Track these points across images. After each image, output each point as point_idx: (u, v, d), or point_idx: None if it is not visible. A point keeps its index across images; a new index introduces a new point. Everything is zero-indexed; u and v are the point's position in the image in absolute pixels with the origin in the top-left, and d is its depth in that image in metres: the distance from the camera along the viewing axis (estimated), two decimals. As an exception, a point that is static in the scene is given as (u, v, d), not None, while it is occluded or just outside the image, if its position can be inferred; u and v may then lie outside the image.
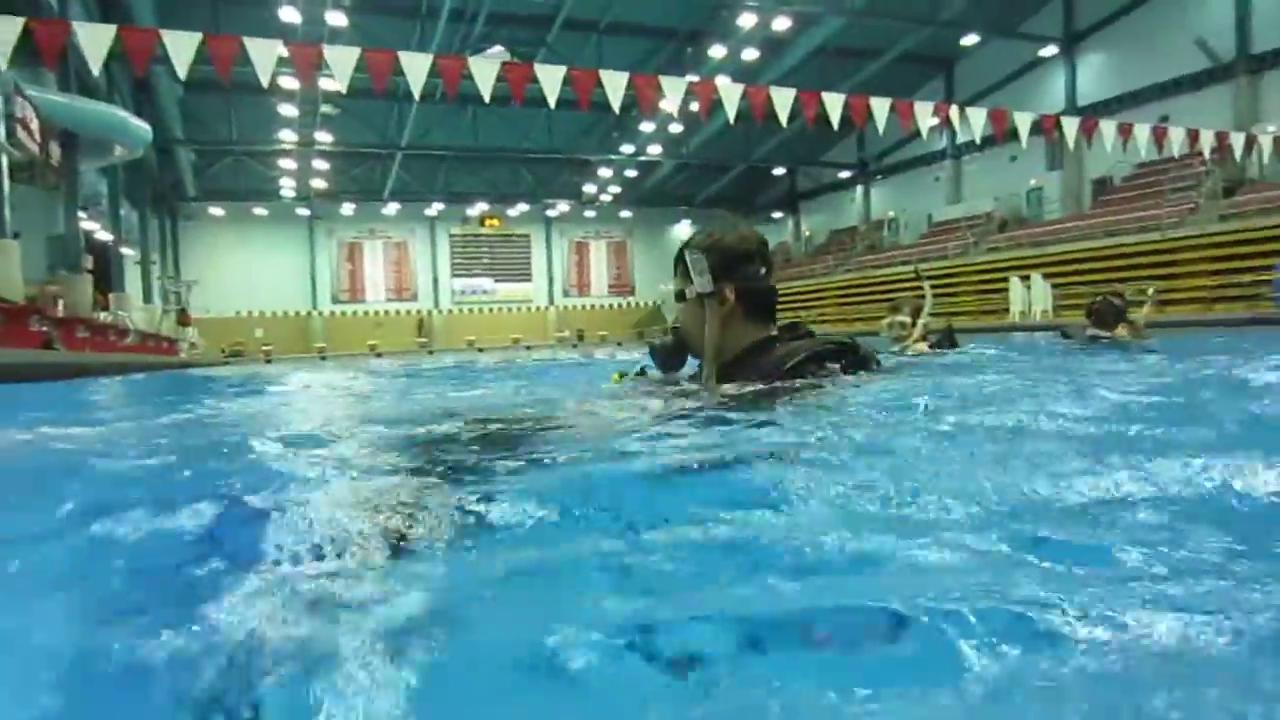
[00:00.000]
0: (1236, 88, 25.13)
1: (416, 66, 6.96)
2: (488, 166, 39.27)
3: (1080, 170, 29.87)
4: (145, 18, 20.60)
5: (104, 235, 24.77)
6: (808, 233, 44.89)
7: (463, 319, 42.77)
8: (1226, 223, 21.84)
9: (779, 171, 43.73)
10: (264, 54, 8.80)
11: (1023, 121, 10.01)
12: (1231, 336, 10.24)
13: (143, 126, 22.31)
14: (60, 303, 17.13)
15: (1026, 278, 22.28)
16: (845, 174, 41.25)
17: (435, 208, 41.41)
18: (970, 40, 30.90)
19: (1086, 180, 30.03)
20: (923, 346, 5.53)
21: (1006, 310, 23.07)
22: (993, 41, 30.77)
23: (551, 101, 6.73)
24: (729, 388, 2.13)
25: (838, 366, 2.18)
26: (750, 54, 28.48)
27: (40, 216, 19.38)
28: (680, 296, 2.36)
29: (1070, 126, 10.20)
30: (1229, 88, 25.30)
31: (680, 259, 2.31)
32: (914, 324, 5.76)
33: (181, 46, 8.60)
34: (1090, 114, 23.74)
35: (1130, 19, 27.99)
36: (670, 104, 7.48)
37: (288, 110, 29.70)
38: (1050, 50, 30.36)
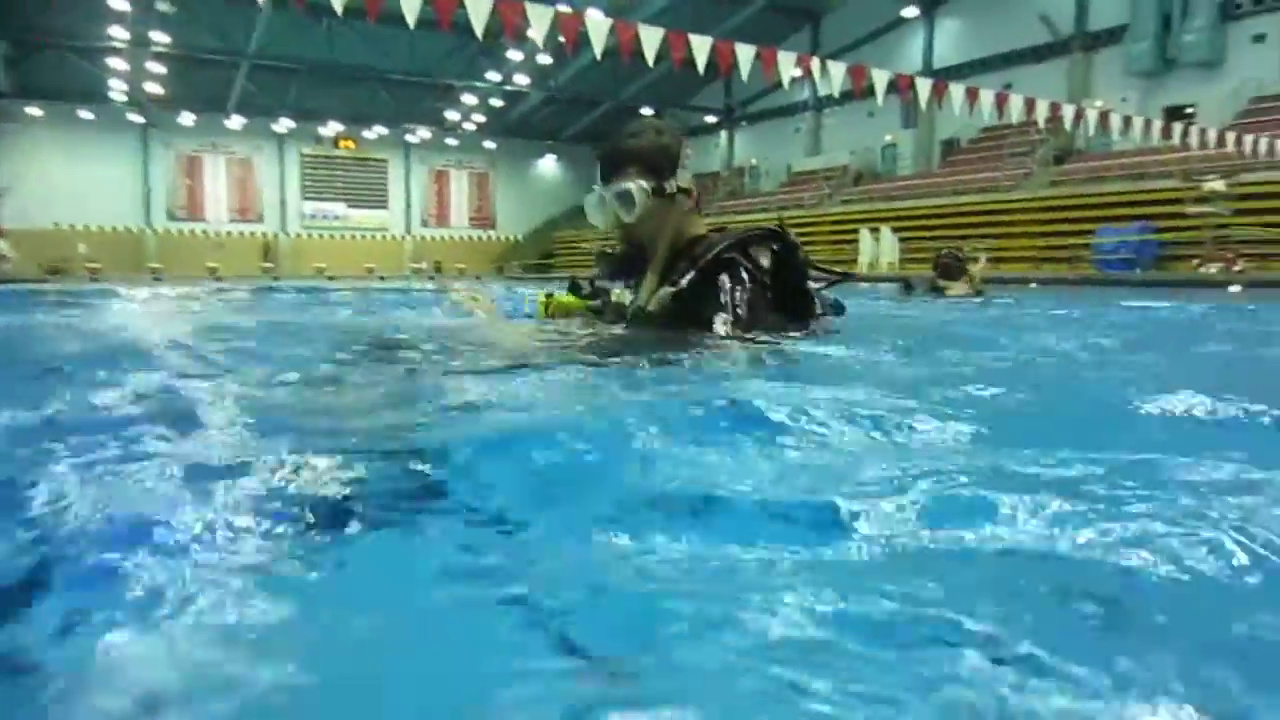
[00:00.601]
0: (1071, 62, 26.72)
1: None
2: (344, 85, 37.27)
3: (932, 130, 31.17)
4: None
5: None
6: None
7: (312, 244, 40.91)
8: (1056, 188, 23.40)
9: (647, 111, 43.50)
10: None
11: (880, 79, 10.32)
12: (1059, 294, 11.10)
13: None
14: None
15: (876, 230, 23.21)
16: (711, 119, 41.54)
17: (285, 124, 39.09)
18: (837, -6, 31.50)
19: (937, 140, 31.40)
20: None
21: (855, 261, 24.01)
22: (859, -2, 31.46)
23: (410, 20, 6.45)
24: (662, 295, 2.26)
25: (766, 253, 2.33)
26: (621, -11, 28.04)
27: None
28: (626, 197, 2.36)
29: (924, 87, 10.60)
30: (1066, 62, 26.88)
31: (637, 155, 2.39)
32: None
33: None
34: (944, 77, 24.72)
35: (986, -12, 29.18)
36: (536, 33, 7.30)
37: (119, 3, 27.12)
38: (912, 11, 31.28)
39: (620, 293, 2.46)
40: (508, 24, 7.02)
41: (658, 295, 2.29)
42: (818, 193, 31.56)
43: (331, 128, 40.21)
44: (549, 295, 2.65)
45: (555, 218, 45.42)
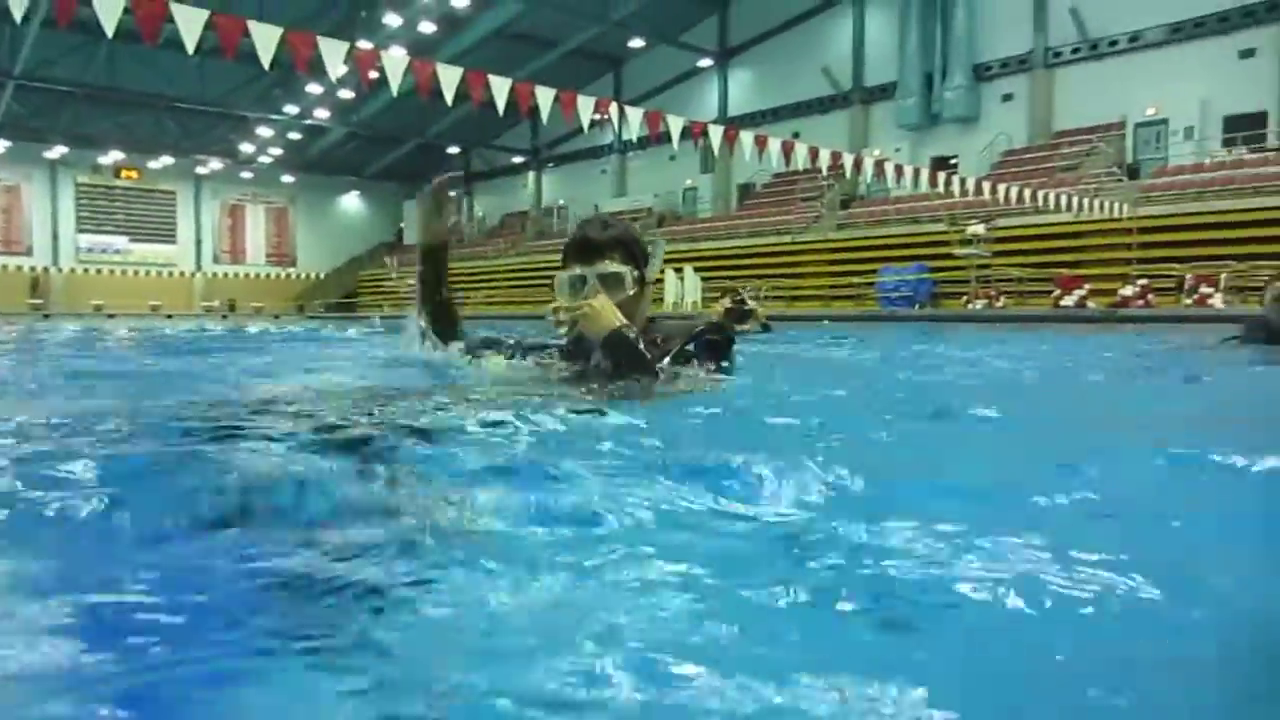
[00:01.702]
0: (852, 114, 28.98)
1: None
2: (125, 111, 34.87)
3: (729, 175, 32.80)
4: None
5: None
6: (481, 214, 44.88)
7: (89, 280, 37.79)
8: (842, 231, 25.18)
9: (454, 150, 43.26)
10: None
11: (675, 124, 10.82)
12: (846, 329, 11.96)
13: None
14: None
15: (680, 270, 24.06)
16: (519, 159, 41.84)
17: (57, 150, 36.03)
18: (637, 44, 32.70)
19: (734, 184, 33.04)
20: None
21: (662, 300, 24.77)
22: (659, 47, 32.77)
23: (189, 46, 6.21)
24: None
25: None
26: (428, 27, 27.94)
27: None
28: (615, 279, 2.47)
29: (715, 134, 11.20)
30: (848, 113, 29.11)
31: (619, 243, 2.51)
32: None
33: None
34: (739, 124, 26.18)
35: (774, 43, 31.15)
36: (331, 68, 7.20)
37: None
38: (707, 62, 32.94)
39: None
40: (299, 57, 6.89)
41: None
42: (625, 232, 32.34)
43: (111, 156, 37.44)
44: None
45: (360, 255, 44.17)
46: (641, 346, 2.37)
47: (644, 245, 2.59)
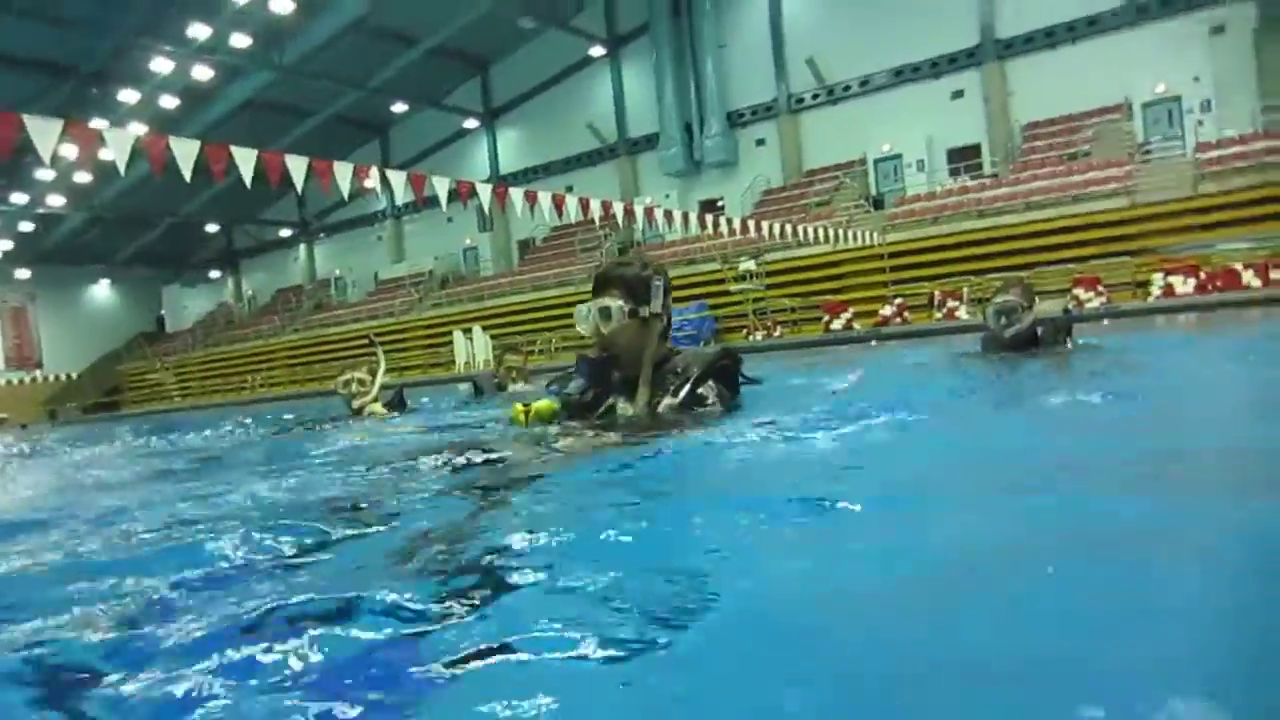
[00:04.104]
0: (620, 165, 29.91)
1: None
2: None
3: (508, 232, 32.85)
4: None
5: None
6: (250, 292, 42.39)
7: None
8: (623, 278, 25.68)
9: (213, 228, 40.80)
10: None
11: (441, 185, 10.61)
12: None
13: None
14: None
15: (468, 331, 23.73)
16: (286, 232, 40.07)
17: None
18: (400, 108, 32.34)
19: (514, 240, 33.12)
20: (379, 407, 5.57)
21: (453, 362, 24.30)
22: (425, 110, 32.55)
23: None
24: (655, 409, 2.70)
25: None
26: (170, 102, 26.37)
27: None
28: (605, 312, 2.75)
29: (484, 192, 11.10)
30: (615, 164, 30.01)
31: (620, 280, 2.80)
32: (372, 383, 5.71)
33: None
34: (511, 181, 26.34)
35: (538, 101, 31.72)
36: (44, 148, 6.52)
37: None
38: (473, 123, 33.01)
39: (624, 405, 2.79)
40: (3, 142, 6.19)
41: (664, 403, 2.69)
42: (407, 299, 31.63)
43: None
44: (526, 405, 2.81)
45: (118, 349, 40.55)
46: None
47: (650, 284, 2.81)
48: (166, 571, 1.31)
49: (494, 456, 2.30)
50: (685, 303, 22.96)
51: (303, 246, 39.99)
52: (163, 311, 42.37)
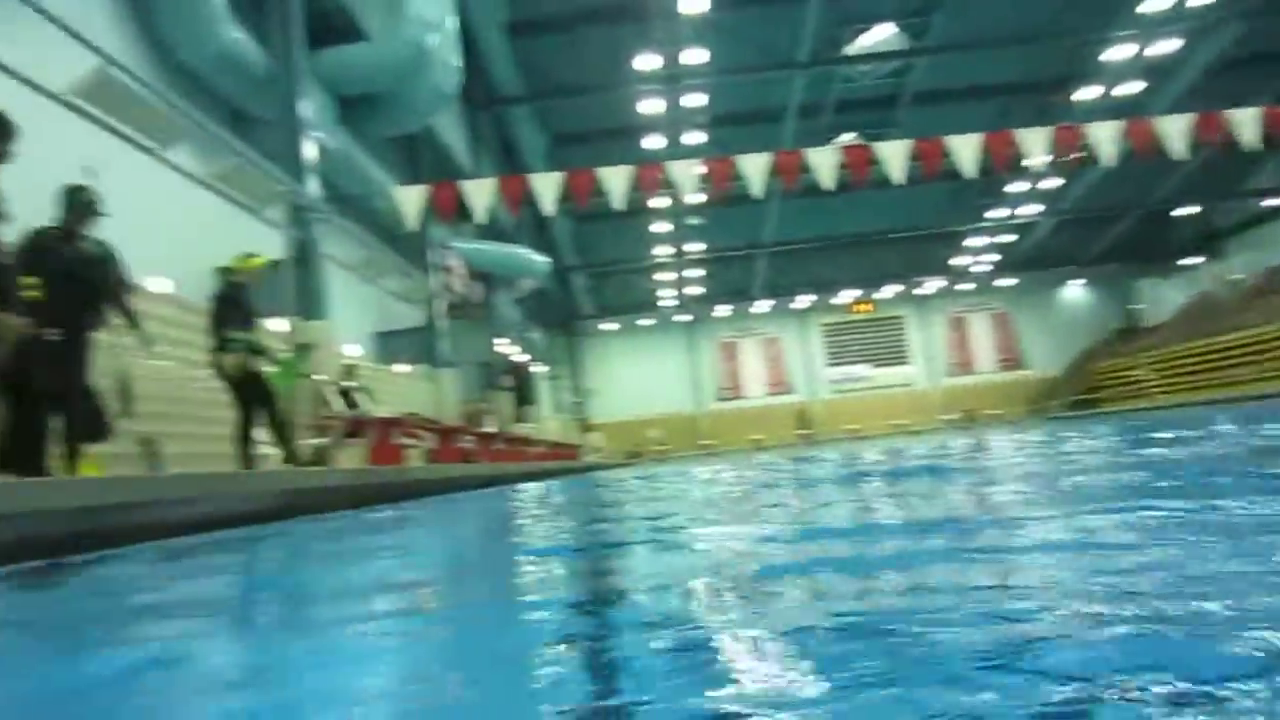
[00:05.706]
0: None
1: (754, 166, 7.08)
2: (850, 252, 39.02)
3: None
4: (537, 165, 23.57)
5: (520, 357, 28.32)
6: (1237, 274, 37.95)
7: (842, 406, 42.26)
8: None
9: (1185, 211, 38.30)
10: (614, 180, 9.58)
11: None
12: None
13: (544, 259, 25.43)
14: (486, 419, 19.74)
15: None
16: (1277, 201, 35.15)
17: (803, 300, 41.91)
18: None
19: None
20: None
21: None
22: None
23: (895, 178, 6.48)
24: None
25: None
26: (1131, 87, 25.91)
27: (468, 345, 22.54)
28: None
29: None
30: None
31: None
32: None
33: (546, 186, 9.68)
34: None
35: None
36: (1033, 159, 6.85)
37: (660, 227, 32.15)
38: None
39: None
40: (998, 157, 6.70)
41: None
42: None
43: (845, 295, 42.04)
44: None
45: (1092, 347, 41.43)
46: None
47: None
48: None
49: None
50: None
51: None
52: (1136, 305, 41.73)
